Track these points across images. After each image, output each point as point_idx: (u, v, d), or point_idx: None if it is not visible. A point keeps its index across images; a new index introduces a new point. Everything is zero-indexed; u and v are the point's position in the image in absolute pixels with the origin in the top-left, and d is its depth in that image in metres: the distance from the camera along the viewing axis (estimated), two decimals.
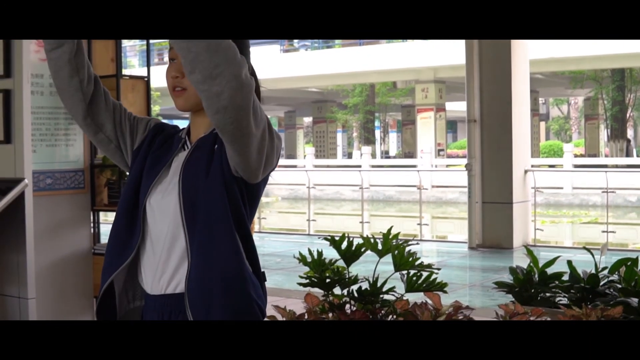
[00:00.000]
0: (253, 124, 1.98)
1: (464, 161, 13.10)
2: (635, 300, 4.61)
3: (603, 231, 13.33)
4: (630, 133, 40.26)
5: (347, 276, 4.90)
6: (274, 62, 32.73)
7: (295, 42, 39.21)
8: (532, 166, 14.10)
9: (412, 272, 4.78)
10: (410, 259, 4.78)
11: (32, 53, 4.83)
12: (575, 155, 31.00)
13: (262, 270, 2.24)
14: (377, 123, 43.18)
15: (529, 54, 13.09)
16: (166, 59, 2.26)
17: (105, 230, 2.92)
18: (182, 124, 2.46)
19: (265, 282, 2.25)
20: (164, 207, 2.15)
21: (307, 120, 46.85)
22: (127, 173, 2.34)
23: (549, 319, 4.34)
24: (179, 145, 2.24)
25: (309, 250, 5.02)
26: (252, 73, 2.29)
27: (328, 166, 32.55)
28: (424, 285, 4.73)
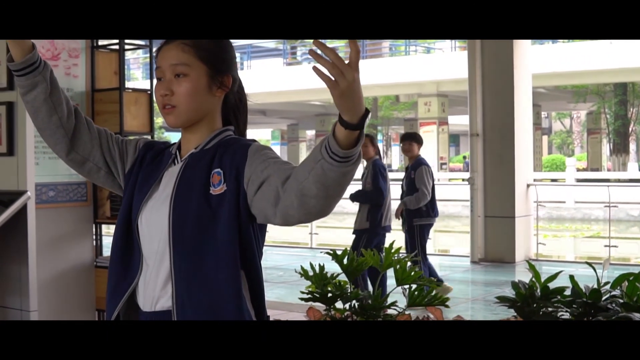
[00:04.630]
0: None
1: (466, 175, 13.09)
2: (638, 315, 4.60)
3: (605, 245, 13.31)
4: (632, 147, 40.26)
5: (348, 290, 4.90)
6: (277, 75, 32.78)
7: (298, 56, 39.29)
8: (535, 180, 14.09)
9: (414, 286, 4.78)
10: (412, 273, 4.78)
11: None
12: (578, 170, 30.98)
13: (268, 316, 2.20)
14: (379, 136, 43.22)
15: (531, 68, 13.10)
16: None
17: (108, 242, 2.92)
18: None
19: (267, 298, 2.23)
20: (154, 222, 2.13)
21: (310, 133, 46.85)
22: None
23: None
24: (169, 160, 2.22)
25: (311, 265, 5.02)
26: (240, 86, 2.29)
27: None
28: (426, 299, 4.73)
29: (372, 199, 8.15)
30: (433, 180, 8.77)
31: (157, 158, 2.26)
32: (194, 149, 2.20)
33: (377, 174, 8.18)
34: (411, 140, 8.93)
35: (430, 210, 8.78)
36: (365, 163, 8.54)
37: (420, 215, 8.73)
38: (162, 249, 2.11)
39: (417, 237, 8.70)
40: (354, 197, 8.40)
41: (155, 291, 2.13)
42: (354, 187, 8.59)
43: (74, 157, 2.27)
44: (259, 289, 2.15)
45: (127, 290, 2.16)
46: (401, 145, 8.99)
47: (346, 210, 25.37)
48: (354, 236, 8.39)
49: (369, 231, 8.23)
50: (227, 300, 2.06)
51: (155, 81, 2.22)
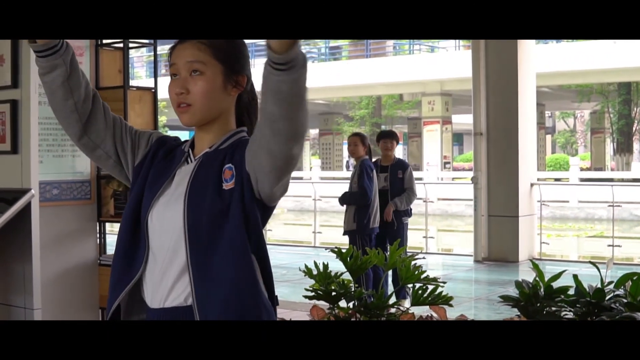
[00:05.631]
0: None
1: (470, 174, 13.10)
2: None
3: (609, 245, 13.31)
4: (636, 146, 40.22)
5: (352, 289, 4.89)
6: None
7: None
8: (538, 179, 14.08)
9: (417, 285, 4.78)
10: (416, 273, 4.78)
11: None
12: (581, 169, 30.95)
13: (275, 294, 2.25)
14: None
15: (535, 68, 13.09)
16: None
17: (112, 240, 2.92)
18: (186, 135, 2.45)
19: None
20: (166, 219, 2.13)
21: (314, 132, 46.86)
22: (129, 187, 2.31)
23: None
24: (182, 158, 2.23)
25: (315, 263, 5.02)
26: (252, 85, 2.29)
27: (334, 178, 32.53)
28: (430, 298, 4.72)
29: (357, 200, 8.15)
30: None
31: (170, 155, 2.26)
32: (208, 148, 2.20)
33: (362, 173, 8.15)
34: (392, 139, 8.84)
35: (411, 209, 8.93)
36: (354, 162, 8.49)
37: (408, 214, 8.83)
38: (174, 245, 2.11)
39: (404, 234, 8.75)
40: (341, 200, 8.46)
41: (165, 288, 2.12)
42: (343, 187, 8.67)
43: (86, 142, 2.28)
44: (268, 269, 2.22)
45: (129, 283, 2.16)
46: (380, 143, 8.82)
47: None
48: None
49: (358, 232, 8.25)
50: (245, 289, 2.10)
51: (159, 79, 2.23)
